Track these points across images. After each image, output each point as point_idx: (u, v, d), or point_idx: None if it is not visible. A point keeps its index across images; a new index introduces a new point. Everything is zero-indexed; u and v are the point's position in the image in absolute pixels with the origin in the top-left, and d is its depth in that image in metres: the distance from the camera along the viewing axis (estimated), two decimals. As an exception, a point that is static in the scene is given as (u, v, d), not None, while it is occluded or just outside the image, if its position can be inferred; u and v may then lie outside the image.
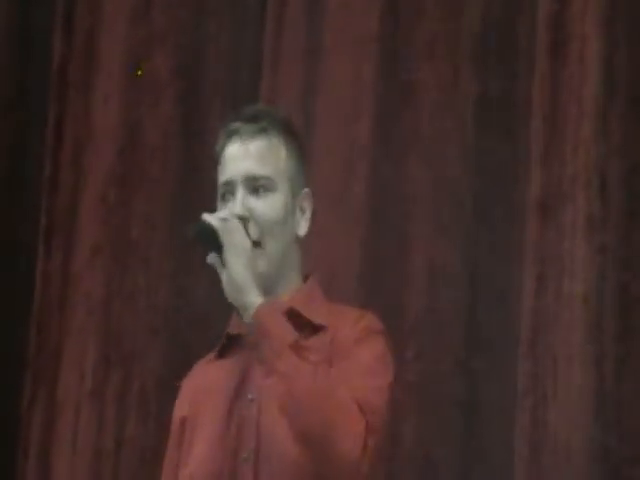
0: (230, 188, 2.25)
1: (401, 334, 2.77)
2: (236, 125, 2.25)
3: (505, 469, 2.73)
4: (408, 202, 2.89)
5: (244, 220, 2.21)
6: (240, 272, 2.20)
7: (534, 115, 2.74)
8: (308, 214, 2.31)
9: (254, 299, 2.17)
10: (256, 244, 2.23)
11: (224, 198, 2.27)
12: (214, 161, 2.31)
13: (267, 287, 2.26)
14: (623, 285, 2.60)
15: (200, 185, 3.06)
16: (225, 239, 2.18)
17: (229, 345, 2.33)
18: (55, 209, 3.24)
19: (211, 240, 2.18)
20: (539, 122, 2.71)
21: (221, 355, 2.35)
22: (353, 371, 2.21)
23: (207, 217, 2.19)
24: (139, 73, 3.23)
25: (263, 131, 2.27)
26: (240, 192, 2.24)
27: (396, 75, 2.98)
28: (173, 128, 3.15)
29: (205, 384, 2.33)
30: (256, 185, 2.25)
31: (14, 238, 3.35)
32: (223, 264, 2.19)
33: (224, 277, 2.20)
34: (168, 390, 2.99)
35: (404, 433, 2.90)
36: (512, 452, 2.71)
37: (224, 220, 2.19)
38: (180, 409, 2.35)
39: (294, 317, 2.27)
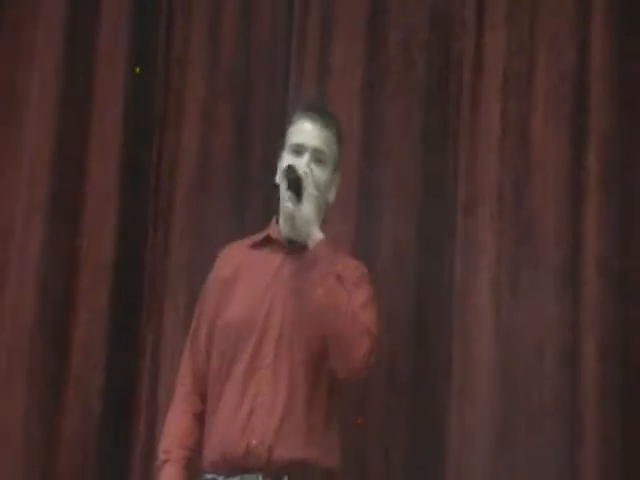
0: (301, 149, 2.77)
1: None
2: (314, 113, 2.81)
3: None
4: (378, 199, 3.42)
5: (307, 175, 2.71)
6: (311, 211, 2.68)
7: (460, 144, 3.31)
8: (335, 188, 2.85)
9: (316, 232, 2.69)
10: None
11: (293, 154, 2.76)
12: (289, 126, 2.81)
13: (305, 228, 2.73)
14: (517, 263, 3.21)
15: (249, 190, 3.54)
16: (307, 186, 2.68)
17: (265, 243, 2.84)
18: (158, 206, 3.74)
19: (293, 182, 2.65)
20: (463, 149, 3.31)
21: (255, 247, 2.84)
22: (363, 304, 2.71)
23: (297, 167, 2.69)
24: (137, 71, 3.70)
25: (329, 126, 2.83)
26: (307, 157, 2.76)
27: (374, 112, 3.47)
28: (232, 152, 3.64)
29: (245, 260, 2.81)
30: (317, 157, 2.78)
31: (134, 223, 3.77)
32: (297, 202, 2.67)
33: (296, 211, 2.66)
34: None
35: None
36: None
37: (306, 174, 2.70)
38: (223, 271, 2.82)
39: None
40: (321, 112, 2.84)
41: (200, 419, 2.86)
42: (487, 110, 3.29)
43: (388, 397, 3.32)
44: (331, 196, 2.84)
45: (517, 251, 3.22)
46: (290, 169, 2.68)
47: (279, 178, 2.76)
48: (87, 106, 3.79)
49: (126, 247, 3.75)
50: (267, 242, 2.86)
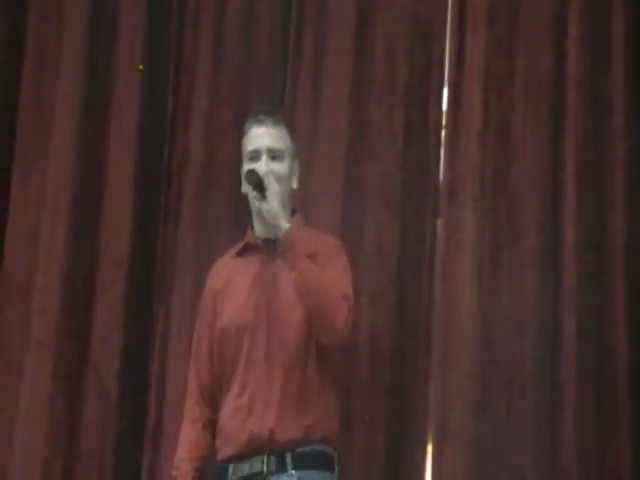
0: (257, 154, 2.88)
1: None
2: (260, 116, 2.91)
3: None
4: (364, 190, 3.59)
5: (268, 174, 2.83)
6: (276, 205, 2.81)
7: (442, 136, 3.52)
8: (297, 175, 2.98)
9: (284, 223, 2.82)
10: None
11: (251, 160, 2.89)
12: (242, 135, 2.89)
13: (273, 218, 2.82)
14: (499, 244, 3.38)
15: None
16: (269, 184, 2.81)
17: (246, 250, 3.00)
18: (168, 202, 3.88)
19: (257, 184, 2.79)
20: (445, 140, 3.51)
21: (239, 256, 3.02)
22: (336, 273, 2.87)
23: (258, 169, 2.83)
24: (140, 68, 3.84)
25: (277, 123, 2.94)
26: (264, 158, 2.88)
27: (361, 114, 3.65)
28: (234, 153, 3.55)
29: (231, 271, 2.98)
30: (273, 154, 2.90)
31: (147, 218, 3.91)
32: (262, 199, 2.80)
33: (264, 207, 2.78)
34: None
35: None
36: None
37: (266, 174, 2.83)
38: (214, 284, 3.00)
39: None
40: (267, 113, 2.97)
41: (208, 425, 3.00)
42: (468, 105, 3.44)
43: (371, 369, 3.48)
44: (294, 184, 2.98)
45: (499, 234, 3.36)
46: (251, 173, 2.84)
47: (245, 186, 2.93)
48: (106, 115, 3.94)
49: (140, 241, 3.88)
50: (247, 249, 3.02)
